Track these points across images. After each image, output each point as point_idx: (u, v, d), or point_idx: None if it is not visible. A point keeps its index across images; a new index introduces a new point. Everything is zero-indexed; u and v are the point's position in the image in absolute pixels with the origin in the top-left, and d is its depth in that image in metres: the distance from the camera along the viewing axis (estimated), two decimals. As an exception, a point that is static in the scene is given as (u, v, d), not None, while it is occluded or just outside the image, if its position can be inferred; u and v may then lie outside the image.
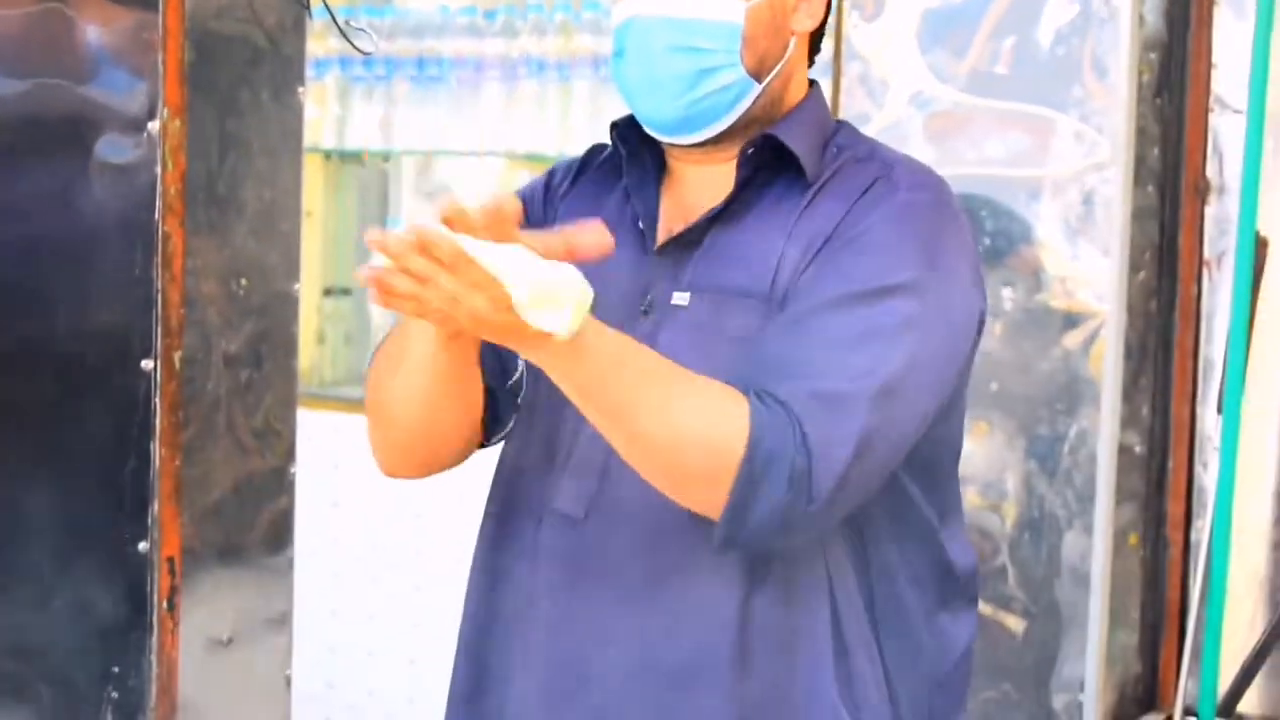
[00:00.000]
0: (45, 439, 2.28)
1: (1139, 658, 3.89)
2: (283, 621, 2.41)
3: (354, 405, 4.80)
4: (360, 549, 5.01)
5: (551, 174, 2.13)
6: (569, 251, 1.69)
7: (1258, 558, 3.78)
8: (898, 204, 1.90)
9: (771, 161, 1.96)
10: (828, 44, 2.08)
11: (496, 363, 2.00)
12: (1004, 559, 3.66)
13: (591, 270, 1.72)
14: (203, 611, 2.28)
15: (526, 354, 1.78)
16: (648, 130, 1.98)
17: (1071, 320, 3.62)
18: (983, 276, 1.99)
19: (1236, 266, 3.62)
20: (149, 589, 2.21)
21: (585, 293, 1.69)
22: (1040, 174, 3.62)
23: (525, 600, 1.98)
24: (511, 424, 2.04)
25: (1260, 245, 3.68)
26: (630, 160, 2.02)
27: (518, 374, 2.02)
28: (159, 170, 2.20)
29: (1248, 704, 3.72)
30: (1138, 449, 3.82)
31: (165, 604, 2.22)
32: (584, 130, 4.69)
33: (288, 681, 2.42)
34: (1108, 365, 3.60)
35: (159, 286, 2.20)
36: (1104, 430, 3.60)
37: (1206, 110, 3.84)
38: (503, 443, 2.07)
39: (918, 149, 3.55)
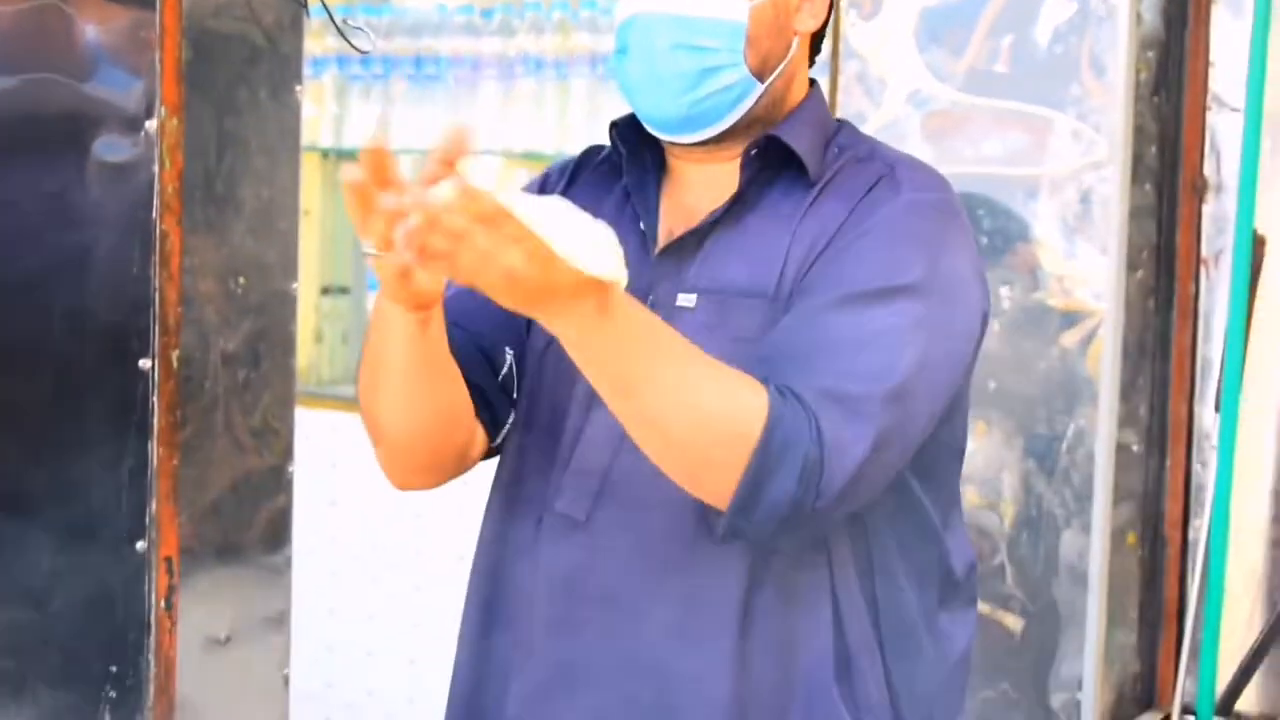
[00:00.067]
0: (42, 438, 2.27)
1: (1137, 656, 3.89)
2: (281, 621, 2.40)
3: (352, 404, 4.78)
4: (359, 548, 5.01)
5: (546, 176, 2.13)
6: None
7: (1255, 556, 3.78)
8: (901, 204, 1.90)
9: (774, 161, 1.96)
10: (825, 42, 2.08)
11: (482, 359, 2.00)
12: (1002, 558, 3.66)
13: None
14: (201, 611, 2.27)
15: (554, 318, 1.69)
16: (649, 129, 1.98)
17: (1069, 319, 3.62)
18: (985, 276, 1.99)
19: (1234, 265, 3.61)
20: (147, 588, 2.21)
21: (619, 243, 1.65)
22: (1038, 173, 3.62)
23: (525, 600, 1.98)
24: (510, 424, 2.03)
25: (1258, 244, 3.68)
26: (630, 160, 2.02)
27: (506, 368, 2.02)
28: (156, 169, 2.20)
29: (1246, 702, 3.72)
30: (1135, 447, 3.82)
31: (163, 603, 2.22)
32: (581, 129, 4.69)
33: (286, 681, 2.41)
34: (1105, 364, 3.60)
35: (156, 285, 2.20)
36: (1102, 429, 3.60)
37: (1204, 108, 3.84)
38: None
39: (915, 148, 3.54)
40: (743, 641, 1.90)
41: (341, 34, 2.48)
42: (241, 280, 2.32)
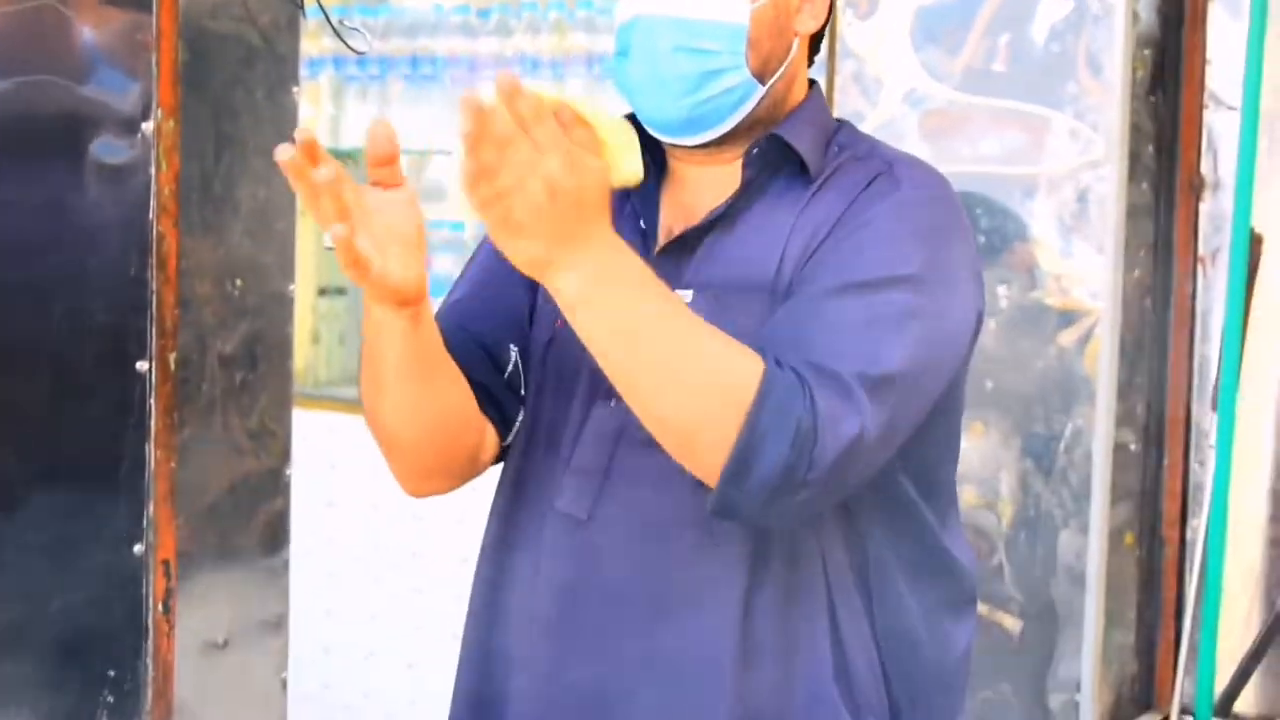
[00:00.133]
0: (39, 441, 2.27)
1: (1135, 657, 3.89)
2: (279, 624, 2.40)
3: (349, 405, 4.79)
4: (357, 550, 5.01)
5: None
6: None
7: (1253, 555, 3.78)
8: (901, 198, 1.91)
9: (775, 160, 1.96)
10: (821, 42, 2.08)
11: (485, 357, 2.00)
12: (1000, 558, 3.66)
13: None
14: (198, 614, 2.27)
15: (576, 251, 1.70)
16: (650, 131, 1.98)
17: (1067, 318, 3.62)
18: (982, 275, 1.99)
19: (1231, 263, 3.61)
20: (144, 592, 2.20)
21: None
22: (1035, 171, 3.62)
23: (528, 600, 1.98)
24: (519, 421, 2.04)
25: (1255, 242, 3.68)
26: (630, 160, 2.02)
27: (511, 365, 2.02)
28: (153, 171, 2.20)
29: (1244, 703, 3.72)
30: (1133, 447, 3.82)
31: (161, 607, 2.21)
32: (578, 129, 4.68)
33: (284, 685, 2.41)
34: (1103, 363, 3.60)
35: (154, 288, 2.20)
36: (1099, 428, 3.60)
37: (1201, 107, 3.84)
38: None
39: (913, 147, 3.54)
40: (744, 643, 1.90)
41: (338, 35, 2.48)
42: (238, 282, 2.32)
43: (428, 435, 1.96)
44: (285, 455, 2.41)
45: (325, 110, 5.09)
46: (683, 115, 1.94)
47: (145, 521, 2.20)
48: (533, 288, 1.99)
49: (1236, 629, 3.71)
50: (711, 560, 1.90)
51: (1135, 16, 3.66)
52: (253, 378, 2.34)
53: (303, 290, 4.40)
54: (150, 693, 2.22)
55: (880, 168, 1.95)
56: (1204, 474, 3.77)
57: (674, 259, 1.95)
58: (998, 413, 3.65)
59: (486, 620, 2.04)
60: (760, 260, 1.91)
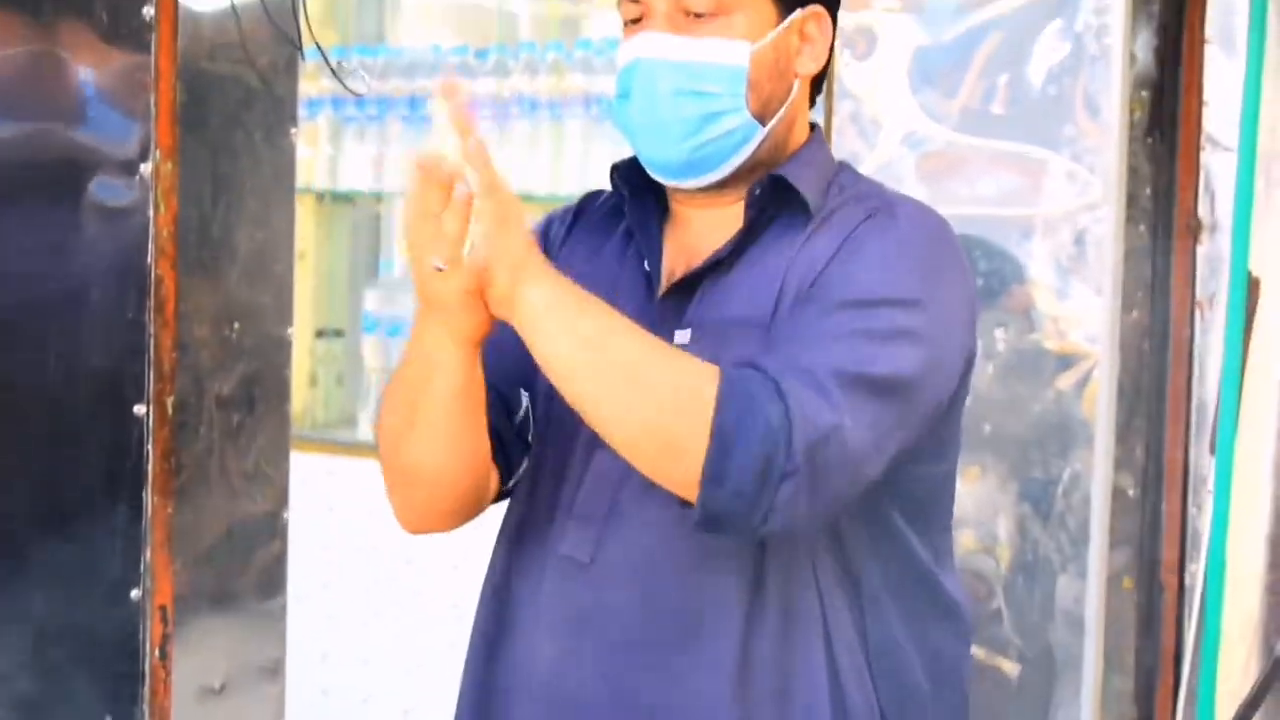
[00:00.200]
0: (36, 485, 2.26)
1: (1134, 703, 3.87)
2: (275, 669, 2.39)
3: (347, 448, 4.77)
4: (355, 593, 4.99)
5: (548, 223, 2.13)
6: None
7: (1252, 602, 3.76)
8: (900, 233, 1.91)
9: (776, 201, 1.96)
10: (819, 83, 2.08)
11: (499, 402, 1.99)
12: (999, 602, 3.65)
13: None
14: (195, 659, 2.26)
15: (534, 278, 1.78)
16: (651, 174, 1.98)
17: (1064, 361, 3.61)
18: (976, 322, 1.99)
19: (1229, 306, 3.60)
20: (141, 637, 2.19)
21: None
22: (1032, 213, 3.62)
23: (529, 642, 1.97)
24: (524, 468, 2.03)
25: (1252, 285, 3.67)
26: (633, 202, 2.02)
27: (522, 412, 2.01)
28: (151, 213, 2.19)
29: (1243, 747, 3.70)
30: (1131, 492, 3.81)
31: (158, 652, 2.20)
32: (576, 169, 4.68)
33: (280, 729, 2.40)
34: (1101, 407, 3.59)
35: (151, 330, 2.19)
36: (1097, 473, 3.59)
37: (1198, 148, 3.83)
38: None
39: (910, 189, 3.54)
40: (741, 684, 1.90)
41: (337, 77, 2.48)
42: (236, 325, 2.31)
43: (451, 470, 1.95)
44: (282, 499, 2.40)
45: (323, 151, 5.09)
46: (684, 158, 1.94)
47: (143, 567, 2.19)
48: None
49: (1235, 675, 3.69)
50: (711, 604, 1.90)
51: (1132, 58, 3.66)
52: (250, 420, 2.34)
53: (300, 332, 4.39)
54: (147, 738, 2.21)
55: (880, 205, 1.96)
56: (1202, 519, 3.76)
57: (675, 300, 1.95)
58: (995, 457, 3.64)
59: (485, 663, 2.04)
60: (759, 298, 1.92)
